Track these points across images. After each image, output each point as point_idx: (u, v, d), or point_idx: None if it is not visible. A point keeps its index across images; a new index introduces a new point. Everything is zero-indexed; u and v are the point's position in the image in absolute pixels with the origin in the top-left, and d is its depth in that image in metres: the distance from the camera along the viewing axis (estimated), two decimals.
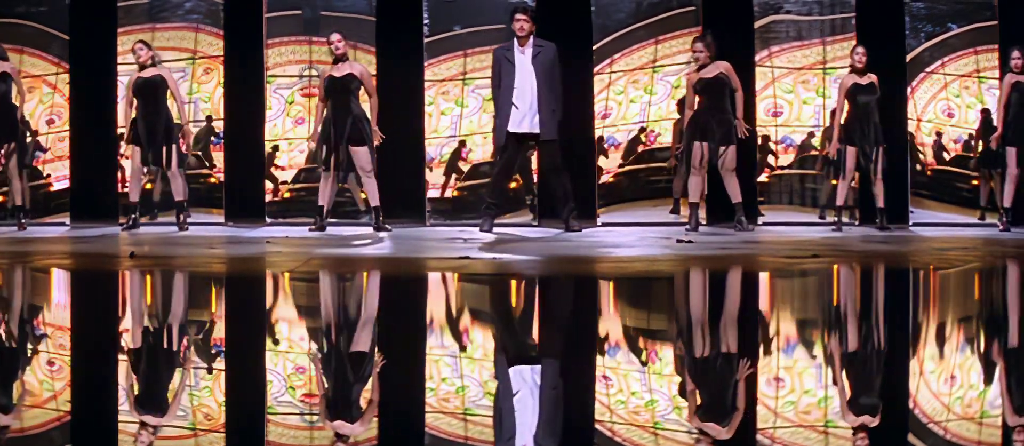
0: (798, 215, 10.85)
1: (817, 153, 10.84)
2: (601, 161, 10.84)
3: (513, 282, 6.37)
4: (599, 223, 10.65)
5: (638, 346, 4.31)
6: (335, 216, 10.56)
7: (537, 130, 9.58)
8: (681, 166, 10.36)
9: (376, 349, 4.27)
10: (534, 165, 10.66)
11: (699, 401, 3.38)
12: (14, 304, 5.49)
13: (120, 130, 10.57)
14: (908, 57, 10.82)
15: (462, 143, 10.85)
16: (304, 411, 3.23)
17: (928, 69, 10.84)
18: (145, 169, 10.18)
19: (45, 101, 10.94)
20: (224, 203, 10.91)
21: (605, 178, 10.87)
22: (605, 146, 10.85)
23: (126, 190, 10.48)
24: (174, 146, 10.09)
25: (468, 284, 6.28)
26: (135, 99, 10.07)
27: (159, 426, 3.02)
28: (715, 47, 9.89)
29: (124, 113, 10.24)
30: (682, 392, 3.51)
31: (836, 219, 10.29)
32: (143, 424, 3.05)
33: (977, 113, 10.79)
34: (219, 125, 10.93)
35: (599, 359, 4.02)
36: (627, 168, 10.87)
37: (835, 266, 7.01)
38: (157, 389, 3.55)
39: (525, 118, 9.59)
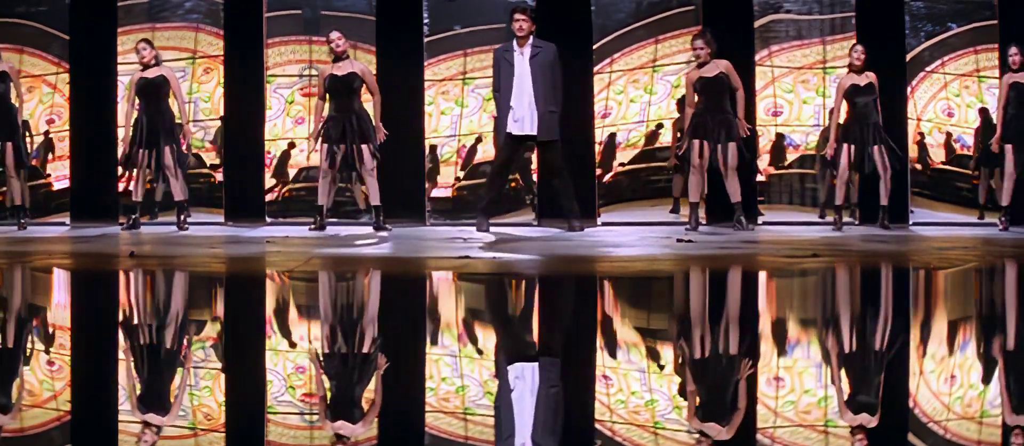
0: (798, 215, 10.85)
1: (814, 152, 10.84)
2: (618, 156, 10.83)
3: (513, 282, 6.37)
4: (599, 223, 10.65)
5: (638, 346, 4.31)
6: (335, 216, 10.56)
7: (535, 132, 9.57)
8: (681, 165, 10.36)
9: (376, 349, 4.27)
10: (534, 165, 10.66)
11: (699, 401, 3.38)
12: (14, 304, 5.49)
13: (120, 130, 10.57)
14: (908, 56, 10.82)
15: (479, 139, 10.84)
16: (304, 411, 3.23)
17: (928, 69, 10.85)
18: (148, 169, 10.18)
19: (45, 101, 10.94)
20: (224, 203, 10.91)
21: (605, 177, 10.87)
22: (616, 144, 10.85)
23: (126, 190, 10.48)
24: (175, 146, 10.08)
25: (468, 284, 6.28)
26: (137, 99, 10.07)
27: (159, 426, 3.02)
28: (715, 44, 9.89)
29: (126, 113, 10.24)
30: (682, 392, 3.51)
31: (835, 218, 10.29)
32: (143, 424, 3.05)
33: (977, 113, 10.79)
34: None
35: (599, 359, 4.02)
36: (628, 168, 10.87)
37: (835, 266, 7.01)
38: (157, 389, 3.55)
39: (524, 120, 9.59)
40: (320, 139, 9.92)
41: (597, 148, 10.86)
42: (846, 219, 10.48)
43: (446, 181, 10.89)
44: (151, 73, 10.05)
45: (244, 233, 9.87)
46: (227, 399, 3.36)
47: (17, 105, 10.36)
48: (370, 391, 3.55)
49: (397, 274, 6.84)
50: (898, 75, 10.73)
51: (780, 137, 10.85)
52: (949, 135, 10.84)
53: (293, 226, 10.34)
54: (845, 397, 3.42)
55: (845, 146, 10.07)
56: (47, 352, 4.16)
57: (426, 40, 10.91)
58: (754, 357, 4.08)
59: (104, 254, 8.06)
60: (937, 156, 10.84)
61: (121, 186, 10.71)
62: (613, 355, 4.08)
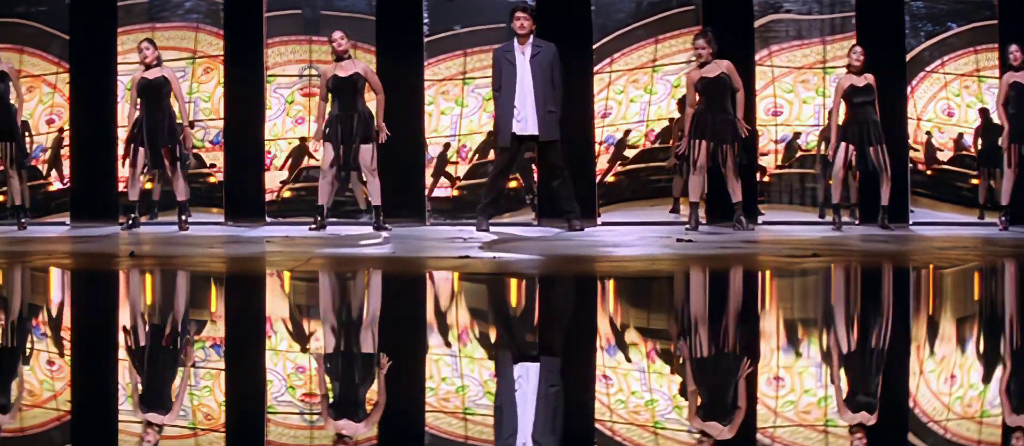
0: (798, 214, 10.85)
1: (814, 152, 10.84)
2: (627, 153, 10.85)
3: (513, 281, 6.37)
4: (599, 222, 10.65)
5: (638, 345, 4.31)
6: (335, 216, 10.56)
7: (536, 132, 9.57)
8: (681, 165, 10.36)
9: (376, 349, 4.27)
10: (534, 165, 10.66)
11: (699, 400, 3.38)
12: (14, 304, 5.49)
13: (121, 130, 10.57)
14: (908, 56, 10.82)
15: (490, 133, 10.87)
16: (304, 410, 3.23)
17: (928, 68, 10.85)
18: (146, 169, 10.19)
19: (45, 101, 10.94)
20: (224, 203, 10.91)
21: (605, 177, 10.87)
22: (616, 143, 10.84)
23: (126, 190, 10.48)
24: (177, 146, 10.09)
25: (468, 283, 6.28)
26: (139, 99, 10.06)
27: (158, 426, 3.02)
28: (716, 44, 9.88)
29: (128, 114, 10.22)
30: (682, 391, 3.51)
31: (834, 218, 10.28)
32: (142, 424, 3.05)
33: (977, 113, 10.79)
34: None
35: (599, 358, 4.02)
36: (628, 168, 10.88)
37: (834, 265, 7.01)
38: (156, 389, 3.55)
39: (527, 119, 9.58)
40: (322, 139, 9.93)
41: (597, 148, 10.86)
42: (846, 219, 10.48)
43: (446, 181, 10.89)
44: (152, 74, 10.05)
45: (244, 233, 9.87)
46: (227, 399, 3.36)
47: (17, 105, 10.36)
48: (369, 391, 3.55)
49: (397, 274, 6.84)
50: (898, 75, 10.73)
51: (796, 135, 10.83)
52: (949, 135, 10.84)
53: (293, 226, 10.33)
54: (845, 397, 3.42)
55: (843, 146, 10.06)
56: (47, 352, 4.16)
57: (426, 40, 10.91)
58: (754, 357, 4.08)
59: (104, 254, 8.06)
60: (937, 156, 10.84)
61: (121, 186, 10.71)
62: (612, 355, 4.08)
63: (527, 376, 3.76)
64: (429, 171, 10.84)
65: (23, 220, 10.30)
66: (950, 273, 6.75)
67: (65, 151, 10.92)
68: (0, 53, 10.50)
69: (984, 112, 10.71)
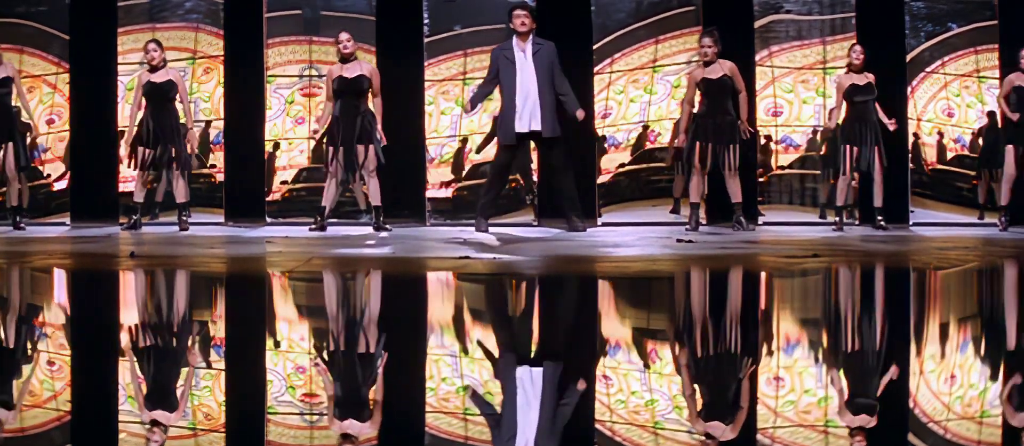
0: (798, 215, 10.85)
1: (815, 154, 10.85)
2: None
3: (513, 282, 6.37)
4: (600, 223, 10.66)
5: (638, 346, 4.31)
6: (335, 216, 10.56)
7: (539, 128, 9.56)
8: (682, 165, 10.36)
9: (376, 349, 4.27)
10: (534, 165, 10.66)
11: (699, 401, 3.38)
12: (14, 304, 5.49)
13: (122, 128, 10.57)
14: (908, 57, 10.82)
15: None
16: (304, 411, 3.23)
17: (928, 69, 10.85)
18: (149, 171, 10.19)
19: (45, 101, 10.94)
20: (224, 203, 10.91)
21: (604, 178, 10.88)
22: (616, 144, 10.84)
23: (125, 190, 10.48)
24: (180, 148, 10.09)
25: (468, 284, 6.28)
26: (143, 100, 10.06)
27: (158, 426, 3.02)
28: (721, 44, 9.89)
29: (131, 114, 10.19)
30: (682, 392, 3.51)
31: (837, 219, 10.29)
32: (142, 424, 3.05)
33: (977, 113, 10.79)
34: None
35: (599, 359, 4.02)
36: (628, 168, 10.88)
37: (835, 266, 7.01)
38: (156, 389, 3.55)
39: (529, 117, 9.58)
40: (326, 141, 9.94)
41: (597, 148, 10.87)
42: (845, 219, 10.49)
43: (446, 181, 10.90)
44: (159, 77, 10.04)
45: (244, 233, 9.87)
46: (227, 399, 3.36)
47: (20, 106, 10.37)
48: (369, 392, 3.55)
49: (397, 274, 6.84)
50: (898, 75, 10.73)
51: (815, 132, 10.81)
52: (949, 135, 10.84)
53: (293, 226, 10.33)
54: (845, 397, 3.42)
55: (846, 147, 10.06)
56: (46, 353, 4.16)
57: (426, 40, 10.91)
58: (754, 358, 4.08)
59: (104, 254, 8.06)
60: (937, 156, 10.84)
61: (121, 186, 10.71)
62: (612, 355, 4.08)
63: (527, 377, 3.76)
64: (449, 168, 10.83)
65: (18, 219, 10.28)
66: (950, 274, 6.75)
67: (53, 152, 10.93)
68: (2, 55, 10.49)
69: (991, 115, 10.71)
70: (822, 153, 10.76)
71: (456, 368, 3.84)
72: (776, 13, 10.97)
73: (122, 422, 3.06)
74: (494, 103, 10.23)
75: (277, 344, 4.33)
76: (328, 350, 4.26)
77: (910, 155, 10.80)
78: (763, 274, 6.75)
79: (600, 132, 10.86)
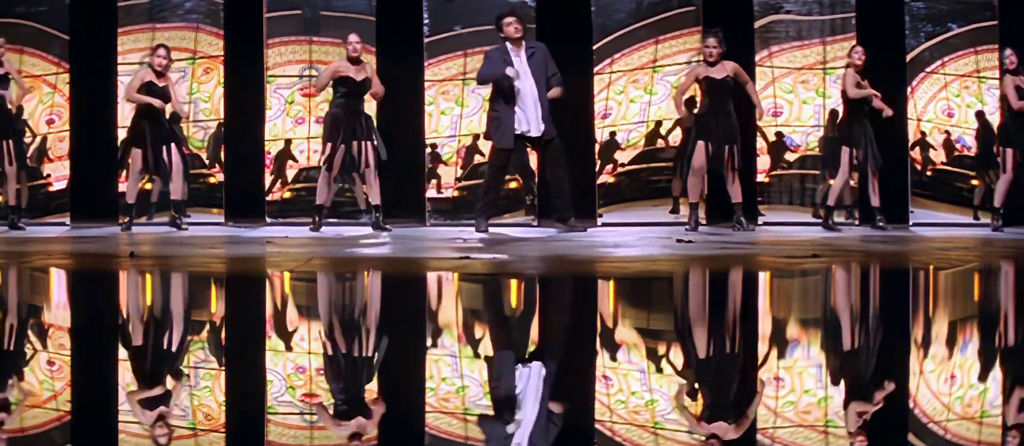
0: (798, 215, 10.85)
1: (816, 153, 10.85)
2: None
3: (513, 282, 6.37)
4: (599, 223, 10.65)
5: (638, 346, 4.31)
6: (335, 216, 10.56)
7: (540, 131, 9.56)
8: (682, 166, 10.37)
9: (376, 349, 4.27)
10: (534, 165, 10.66)
11: (700, 401, 3.38)
12: (13, 304, 5.49)
13: (121, 129, 10.57)
14: (908, 57, 10.82)
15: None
16: (304, 411, 3.23)
17: (928, 69, 10.85)
18: (145, 172, 10.20)
19: (45, 101, 10.94)
20: (224, 203, 10.91)
21: (605, 177, 10.88)
22: (616, 144, 10.85)
23: (124, 190, 10.49)
24: (176, 149, 10.09)
25: (468, 284, 6.28)
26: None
27: (158, 426, 3.02)
28: (726, 46, 9.91)
29: (135, 113, 10.13)
30: (682, 392, 3.51)
31: (838, 219, 10.29)
32: (142, 424, 3.05)
33: (975, 116, 10.78)
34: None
35: (599, 359, 4.02)
36: (628, 168, 10.88)
37: (834, 266, 7.01)
38: (156, 389, 3.55)
39: (529, 120, 9.58)
40: (324, 139, 9.95)
41: (597, 148, 10.87)
42: (844, 220, 10.50)
43: (446, 181, 10.90)
44: (160, 82, 10.06)
45: (244, 233, 9.87)
46: (227, 399, 3.36)
47: (20, 105, 10.38)
48: (368, 392, 3.55)
49: (397, 274, 6.84)
50: (898, 75, 10.73)
51: (831, 139, 10.80)
52: (949, 135, 10.84)
53: (293, 226, 10.33)
54: (846, 398, 3.42)
55: (847, 149, 10.06)
56: (46, 352, 4.16)
57: (426, 40, 10.91)
58: (754, 358, 4.08)
59: (104, 254, 8.06)
60: (937, 156, 10.84)
61: (121, 186, 10.71)
62: (612, 355, 4.08)
63: (527, 377, 3.76)
64: (458, 167, 10.83)
65: (13, 218, 10.27)
66: (950, 274, 6.75)
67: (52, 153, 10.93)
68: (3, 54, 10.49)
69: (980, 115, 10.71)
70: (820, 153, 10.75)
71: (456, 368, 3.84)
72: (776, 13, 10.97)
73: (122, 422, 3.06)
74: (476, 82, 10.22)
75: (276, 345, 4.33)
76: (328, 350, 4.26)
77: (910, 155, 10.79)
78: (763, 274, 6.75)
79: (599, 132, 10.86)
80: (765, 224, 10.65)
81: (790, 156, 10.91)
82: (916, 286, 6.34)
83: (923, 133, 10.82)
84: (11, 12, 10.95)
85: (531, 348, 4.38)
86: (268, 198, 10.92)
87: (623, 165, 10.88)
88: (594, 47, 10.87)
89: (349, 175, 10.35)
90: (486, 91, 10.42)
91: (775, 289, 6.12)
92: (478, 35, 10.84)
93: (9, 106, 10.22)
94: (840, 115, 10.20)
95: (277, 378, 3.65)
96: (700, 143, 9.87)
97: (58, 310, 5.46)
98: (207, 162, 10.85)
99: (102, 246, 8.70)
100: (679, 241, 8.71)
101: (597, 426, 3.04)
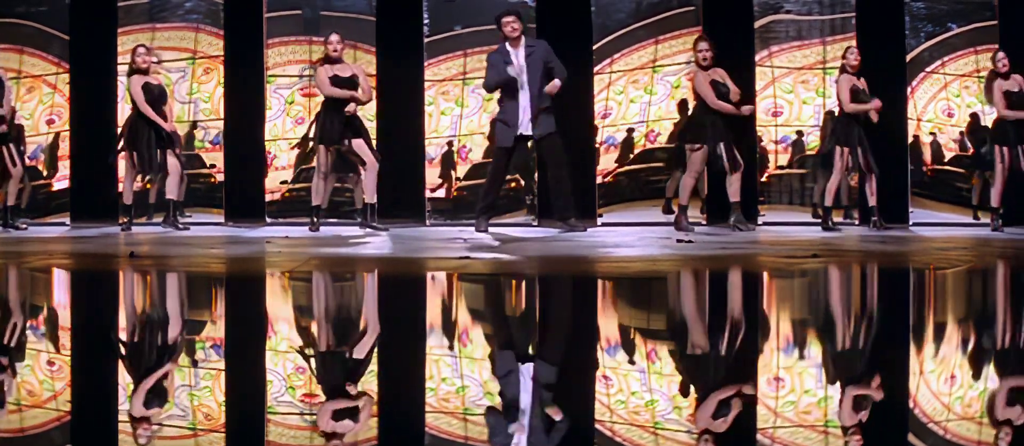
0: (798, 215, 10.85)
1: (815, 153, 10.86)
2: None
3: (513, 282, 6.38)
4: (599, 223, 10.66)
5: (639, 346, 4.31)
6: (335, 216, 10.56)
7: (530, 130, 9.55)
8: (675, 167, 10.39)
9: (376, 349, 4.27)
10: (534, 165, 10.66)
11: (700, 401, 3.38)
12: (13, 304, 5.49)
13: (121, 127, 10.57)
14: (908, 57, 10.82)
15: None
16: (304, 411, 3.23)
17: (928, 69, 10.85)
18: (140, 173, 10.21)
19: (45, 101, 10.94)
20: (224, 203, 10.91)
21: (605, 177, 10.88)
22: (616, 144, 10.84)
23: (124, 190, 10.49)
24: (172, 150, 10.09)
25: (468, 284, 6.28)
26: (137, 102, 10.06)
27: (158, 426, 3.02)
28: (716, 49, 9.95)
29: (136, 114, 10.12)
30: (683, 392, 3.51)
31: (837, 219, 10.29)
32: (142, 424, 3.05)
33: (975, 114, 10.78)
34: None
35: (599, 359, 4.02)
36: (628, 168, 10.88)
37: (834, 266, 7.01)
38: (156, 389, 3.55)
39: (527, 120, 9.58)
40: (317, 141, 9.93)
41: (597, 148, 10.87)
42: (842, 220, 10.50)
43: (456, 178, 10.89)
44: (154, 80, 10.06)
45: (244, 233, 9.87)
46: (227, 399, 3.37)
47: (14, 108, 10.38)
48: (368, 391, 3.55)
49: (396, 274, 6.84)
50: (898, 75, 10.73)
51: (800, 133, 10.79)
52: (949, 136, 10.84)
53: (293, 226, 10.34)
54: (846, 397, 3.42)
55: (841, 149, 10.05)
56: (46, 352, 4.16)
57: (426, 40, 10.91)
58: (755, 358, 4.08)
59: (104, 255, 8.07)
60: (937, 156, 10.84)
61: (120, 186, 10.71)
62: (613, 355, 4.08)
63: (527, 377, 3.76)
64: (463, 167, 10.84)
65: (12, 220, 10.26)
66: (949, 274, 6.76)
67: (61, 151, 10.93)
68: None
69: (974, 116, 10.70)
70: (817, 153, 10.74)
71: (455, 368, 3.84)
72: (776, 13, 10.97)
73: (121, 422, 3.07)
74: (492, 103, 10.23)
75: (276, 345, 4.33)
76: (327, 350, 4.26)
77: (912, 155, 10.79)
78: (762, 274, 6.75)
79: (599, 132, 10.86)
80: (765, 224, 10.66)
81: (786, 158, 10.90)
82: (914, 286, 6.34)
83: (923, 133, 10.81)
84: (11, 12, 10.94)
85: (531, 348, 4.38)
86: (269, 198, 10.90)
87: (623, 165, 10.87)
88: (594, 47, 10.87)
89: (347, 175, 10.34)
90: (487, 92, 10.43)
91: (775, 289, 6.12)
92: (478, 35, 10.84)
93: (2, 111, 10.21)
94: (835, 115, 10.20)
95: (276, 378, 3.65)
96: (696, 144, 9.88)
97: (56, 310, 5.46)
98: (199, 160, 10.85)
99: (102, 246, 8.70)
100: (679, 241, 8.71)
101: (597, 426, 3.04)
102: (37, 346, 4.30)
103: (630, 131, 10.88)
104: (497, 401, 3.38)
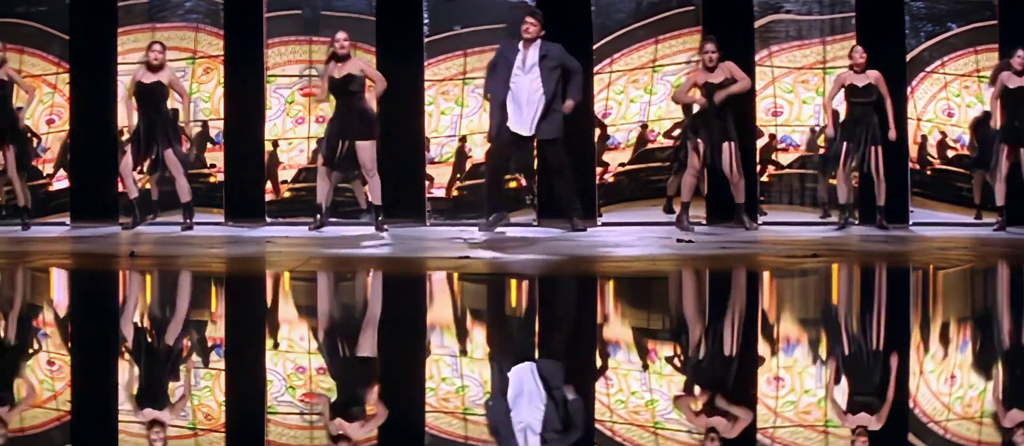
0: (798, 215, 10.84)
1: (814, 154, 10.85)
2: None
3: (513, 282, 6.37)
4: (600, 223, 10.65)
5: (639, 346, 4.31)
6: (335, 215, 10.56)
7: (533, 132, 9.54)
8: (678, 166, 10.38)
9: (376, 349, 4.27)
10: (535, 165, 10.65)
11: (700, 401, 3.38)
12: (14, 304, 5.49)
13: (122, 125, 10.57)
14: (908, 57, 10.81)
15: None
16: (304, 411, 3.23)
17: (928, 69, 10.84)
18: (138, 170, 10.21)
19: (45, 101, 10.94)
20: (224, 203, 10.91)
21: (605, 177, 10.88)
22: (616, 144, 10.84)
23: (124, 190, 10.48)
24: (176, 147, 10.08)
25: (468, 284, 6.28)
26: (134, 101, 10.06)
27: (158, 426, 3.02)
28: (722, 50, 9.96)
29: (127, 113, 10.18)
30: (682, 392, 3.51)
31: (839, 217, 10.28)
32: (142, 424, 3.05)
33: (976, 113, 10.77)
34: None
35: (600, 359, 4.02)
36: (628, 168, 10.88)
37: (835, 266, 7.01)
38: (156, 389, 3.55)
39: (524, 119, 9.57)
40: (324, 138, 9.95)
41: (598, 147, 10.87)
42: (835, 219, 10.50)
43: (445, 181, 10.89)
44: (149, 78, 10.03)
45: (244, 233, 9.87)
46: (227, 399, 3.36)
47: (21, 106, 10.38)
48: (369, 391, 3.55)
49: (397, 274, 6.84)
50: (898, 75, 10.72)
51: (813, 130, 10.78)
52: (949, 135, 10.84)
53: (293, 226, 10.33)
54: (846, 397, 3.42)
55: (844, 145, 10.05)
56: (46, 352, 4.16)
57: (426, 40, 10.90)
58: (754, 358, 4.08)
59: (104, 254, 8.06)
60: (937, 156, 10.84)
61: (120, 186, 10.70)
62: (613, 355, 4.08)
63: (527, 377, 3.76)
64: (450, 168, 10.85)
65: (25, 221, 10.28)
66: (950, 273, 6.75)
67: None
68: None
69: (985, 113, 10.70)
70: (821, 152, 10.74)
71: (456, 368, 3.84)
72: (776, 13, 10.96)
73: (122, 422, 3.06)
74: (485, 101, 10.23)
75: (276, 345, 4.33)
76: (327, 350, 4.26)
77: (910, 155, 10.79)
78: (764, 274, 6.75)
79: (607, 131, 10.86)
80: (765, 224, 10.65)
81: (784, 158, 10.89)
82: (915, 285, 6.34)
83: (923, 133, 10.81)
84: (11, 12, 10.93)
85: (530, 349, 4.38)
86: (268, 198, 10.89)
87: (623, 165, 10.87)
88: (594, 47, 10.86)
89: (350, 175, 10.32)
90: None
91: (775, 289, 6.11)
92: (478, 35, 10.84)
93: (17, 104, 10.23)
94: (842, 115, 10.20)
95: (276, 378, 3.65)
96: (698, 143, 9.88)
97: (59, 310, 5.46)
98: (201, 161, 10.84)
99: (103, 246, 8.70)
100: (679, 241, 8.71)
101: (597, 426, 3.04)
102: (37, 346, 4.30)
103: (631, 131, 10.88)
104: (497, 401, 3.38)
